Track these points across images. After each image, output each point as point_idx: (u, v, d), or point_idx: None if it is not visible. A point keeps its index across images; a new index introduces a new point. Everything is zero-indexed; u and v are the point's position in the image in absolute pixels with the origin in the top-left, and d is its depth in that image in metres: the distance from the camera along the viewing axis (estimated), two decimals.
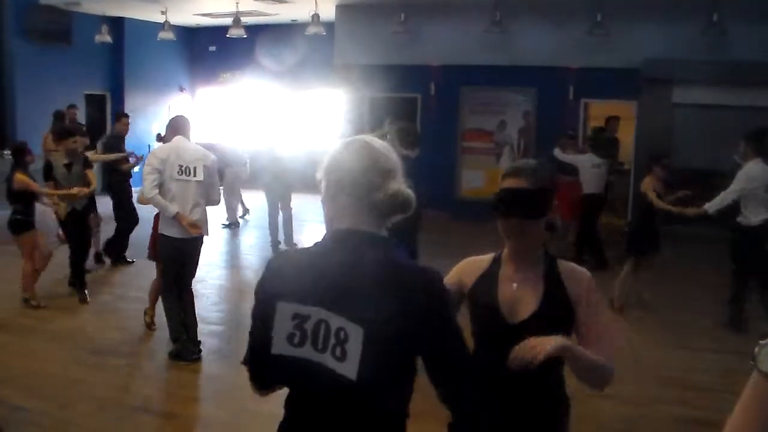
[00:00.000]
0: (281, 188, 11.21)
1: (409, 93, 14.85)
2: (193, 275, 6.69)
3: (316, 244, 2.16)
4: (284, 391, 2.21)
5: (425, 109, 14.78)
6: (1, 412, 5.43)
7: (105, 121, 17.32)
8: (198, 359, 6.51)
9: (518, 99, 14.27)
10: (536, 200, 2.50)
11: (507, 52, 13.43)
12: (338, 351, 1.96)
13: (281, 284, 2.11)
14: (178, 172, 6.27)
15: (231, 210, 13.22)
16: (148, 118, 16.84)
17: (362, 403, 2.00)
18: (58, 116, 12.18)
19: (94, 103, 17.02)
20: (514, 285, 2.56)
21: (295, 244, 11.07)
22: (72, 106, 12.96)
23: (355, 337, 1.94)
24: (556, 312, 2.48)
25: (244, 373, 2.26)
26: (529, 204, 2.49)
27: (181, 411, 5.69)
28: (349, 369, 1.95)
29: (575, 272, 2.57)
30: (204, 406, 5.87)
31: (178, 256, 6.43)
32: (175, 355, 6.50)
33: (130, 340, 7.12)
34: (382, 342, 1.94)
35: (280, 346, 2.07)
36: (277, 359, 2.09)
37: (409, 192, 2.11)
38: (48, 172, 8.16)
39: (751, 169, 7.40)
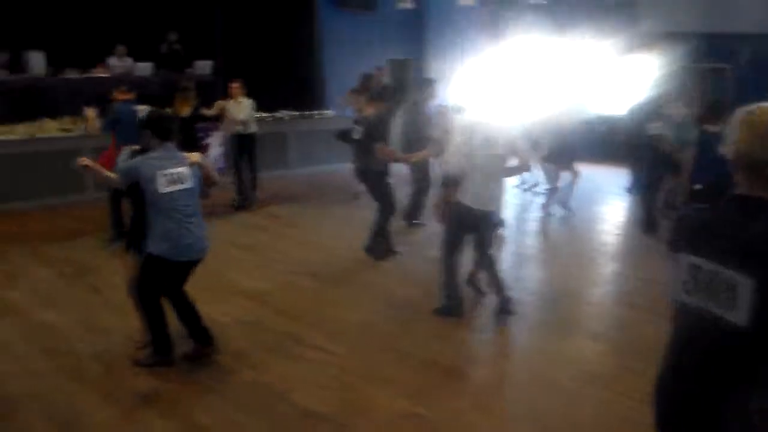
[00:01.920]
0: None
1: (718, 63, 13.88)
2: (489, 243, 6.87)
3: (714, 206, 2.38)
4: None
5: (736, 81, 13.74)
6: (310, 353, 5.97)
7: (407, 86, 17.95)
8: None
9: None
10: None
11: None
12: (727, 300, 2.17)
13: (682, 238, 2.42)
14: (480, 145, 6.42)
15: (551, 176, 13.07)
16: (448, 84, 17.19)
17: (748, 349, 2.18)
18: (366, 77, 12.80)
19: (398, 68, 17.65)
20: None
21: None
22: (379, 68, 13.58)
23: (745, 288, 2.12)
24: None
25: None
26: None
27: (469, 370, 5.85)
28: (739, 316, 2.14)
29: None
30: (493, 368, 5.98)
31: (466, 225, 6.62)
32: (442, 311, 6.78)
33: (429, 298, 7.29)
34: None
35: (676, 293, 2.38)
36: (673, 304, 2.43)
37: None
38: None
39: None
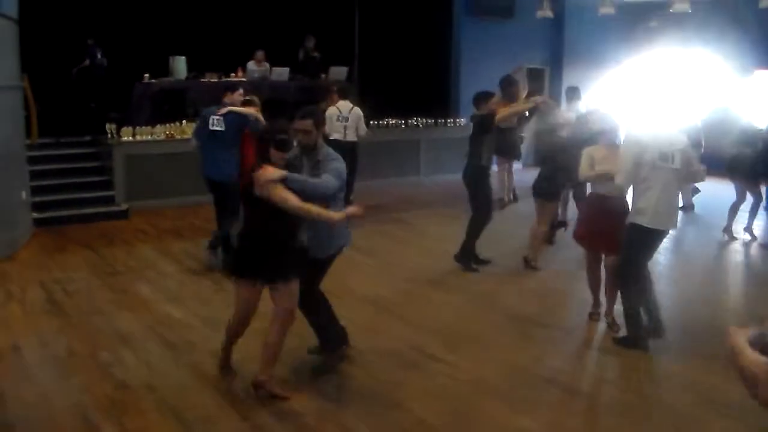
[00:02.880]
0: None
1: None
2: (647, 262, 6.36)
3: None
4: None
5: None
6: (425, 362, 5.86)
7: (542, 94, 17.60)
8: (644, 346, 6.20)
9: None
10: None
11: None
12: None
13: None
14: (659, 159, 5.86)
15: (686, 192, 12.26)
16: (585, 93, 16.70)
17: None
18: (505, 81, 12.48)
19: (534, 76, 17.33)
20: None
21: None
22: (519, 67, 13.26)
23: None
24: None
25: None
26: None
27: (586, 390, 5.56)
28: None
29: None
30: (611, 389, 5.63)
31: (646, 248, 6.11)
32: (626, 341, 6.27)
33: (548, 312, 7.18)
34: None
35: None
36: None
37: None
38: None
39: None
